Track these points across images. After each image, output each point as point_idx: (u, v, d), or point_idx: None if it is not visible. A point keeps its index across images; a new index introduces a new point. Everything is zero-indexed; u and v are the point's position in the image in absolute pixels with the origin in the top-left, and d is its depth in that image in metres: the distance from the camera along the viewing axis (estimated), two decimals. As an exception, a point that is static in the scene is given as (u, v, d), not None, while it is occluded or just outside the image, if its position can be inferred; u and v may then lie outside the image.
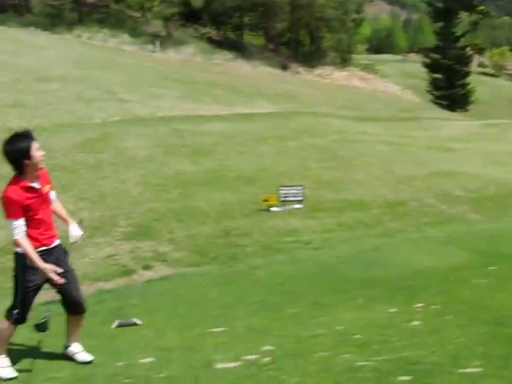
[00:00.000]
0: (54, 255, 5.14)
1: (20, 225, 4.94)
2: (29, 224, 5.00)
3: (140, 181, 12.96)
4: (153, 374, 4.69)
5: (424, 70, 65.30)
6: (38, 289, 5.14)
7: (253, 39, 51.36)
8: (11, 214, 4.91)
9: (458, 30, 62.75)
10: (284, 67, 44.39)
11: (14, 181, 4.98)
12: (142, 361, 5.08)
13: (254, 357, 4.80)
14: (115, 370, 4.88)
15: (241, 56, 42.88)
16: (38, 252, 5.00)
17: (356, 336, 5.13)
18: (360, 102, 33.24)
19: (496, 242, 10.22)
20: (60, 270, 4.96)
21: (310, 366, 4.43)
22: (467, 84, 61.79)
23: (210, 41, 44.82)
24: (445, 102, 59.12)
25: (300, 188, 12.12)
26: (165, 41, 40.06)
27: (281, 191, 11.94)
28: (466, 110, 59.77)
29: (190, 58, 39.50)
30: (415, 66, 73.46)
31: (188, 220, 11.02)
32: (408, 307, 6.06)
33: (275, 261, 9.41)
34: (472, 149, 21.18)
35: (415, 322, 5.46)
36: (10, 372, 5.02)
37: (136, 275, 8.76)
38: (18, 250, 4.99)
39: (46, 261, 5.00)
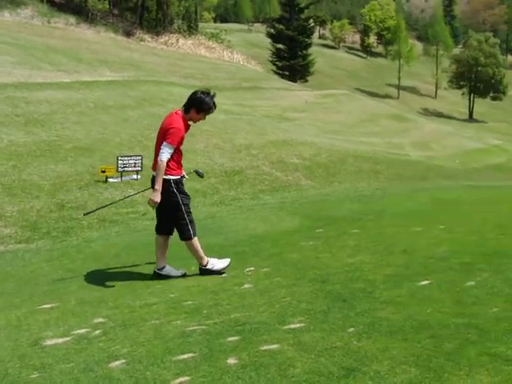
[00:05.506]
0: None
1: (172, 152, 6.13)
2: (177, 153, 6.24)
3: (-34, 153, 12.04)
4: (-26, 356, 4.45)
5: (268, 40, 66.87)
6: None
7: (97, 4, 49.23)
8: (174, 141, 6.09)
9: (302, 2, 64.77)
10: (128, 34, 43.18)
11: (181, 116, 6.26)
12: (-38, 342, 4.83)
13: (84, 330, 4.75)
14: None
15: (84, 21, 41.03)
16: (180, 178, 6.32)
17: (188, 302, 5.23)
18: (204, 70, 33.17)
19: (324, 206, 10.87)
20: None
21: (142, 335, 4.47)
22: (308, 55, 64.27)
23: (50, 3, 42.09)
24: (286, 72, 61.25)
25: (139, 158, 11.93)
26: (-1, 0, 37.28)
27: (119, 161, 11.72)
28: (306, 81, 62.36)
29: (28, 20, 37.10)
30: (260, 35, 74.76)
31: (20, 194, 10.43)
32: (241, 271, 6.29)
33: (111, 233, 9.33)
34: (309, 118, 22.12)
35: (246, 285, 5.67)
36: (223, 262, 6.40)
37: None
38: (171, 177, 6.14)
39: (182, 185, 6.35)
